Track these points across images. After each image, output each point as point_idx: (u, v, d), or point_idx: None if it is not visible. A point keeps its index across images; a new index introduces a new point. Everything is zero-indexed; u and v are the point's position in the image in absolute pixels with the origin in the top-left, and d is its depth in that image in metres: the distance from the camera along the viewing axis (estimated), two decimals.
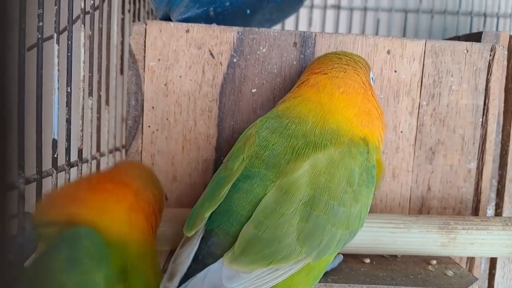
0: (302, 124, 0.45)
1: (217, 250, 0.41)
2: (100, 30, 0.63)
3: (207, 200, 0.43)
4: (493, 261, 0.64)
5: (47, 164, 0.49)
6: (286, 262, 0.40)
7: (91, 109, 0.58)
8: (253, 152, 0.44)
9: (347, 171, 0.43)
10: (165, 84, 0.56)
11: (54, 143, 0.49)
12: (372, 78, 0.51)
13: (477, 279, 0.50)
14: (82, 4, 0.54)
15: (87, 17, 0.56)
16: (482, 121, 0.59)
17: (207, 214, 0.42)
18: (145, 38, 0.56)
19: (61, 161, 0.52)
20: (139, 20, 0.85)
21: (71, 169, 0.54)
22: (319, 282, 0.47)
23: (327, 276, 0.49)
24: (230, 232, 0.41)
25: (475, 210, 0.60)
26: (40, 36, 0.46)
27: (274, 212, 0.40)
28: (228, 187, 0.43)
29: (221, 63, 0.56)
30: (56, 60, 0.49)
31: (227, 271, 0.39)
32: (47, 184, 0.49)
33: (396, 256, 0.56)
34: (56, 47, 0.49)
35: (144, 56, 0.56)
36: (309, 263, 0.41)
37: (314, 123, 0.45)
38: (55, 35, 0.48)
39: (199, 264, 0.40)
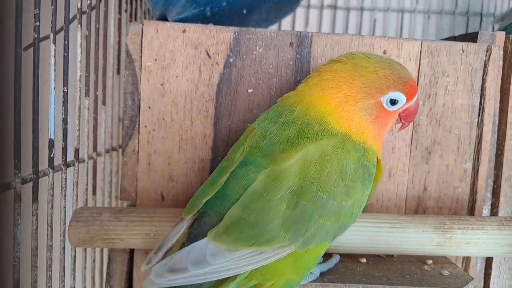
0: (291, 112, 0.46)
1: (208, 229, 0.42)
2: (97, 30, 0.63)
3: (207, 187, 0.45)
4: (488, 261, 0.64)
5: (43, 164, 0.49)
6: (269, 245, 0.41)
7: (88, 108, 0.58)
8: (253, 142, 0.45)
9: (339, 165, 0.43)
10: (161, 84, 0.56)
11: (51, 142, 0.49)
12: (392, 99, 0.46)
13: (473, 278, 0.50)
14: (79, 4, 0.54)
15: (84, 17, 0.56)
16: (478, 121, 0.59)
17: (205, 200, 0.44)
18: (141, 38, 0.56)
19: (58, 160, 0.52)
20: (136, 20, 0.85)
21: (68, 168, 0.53)
22: (316, 282, 0.47)
23: (324, 276, 0.49)
24: (221, 214, 0.42)
25: (471, 210, 0.60)
26: (36, 36, 0.45)
27: (261, 197, 0.41)
28: (227, 175, 0.44)
29: (217, 63, 0.56)
30: (52, 60, 0.48)
31: (212, 248, 0.41)
32: (44, 184, 0.49)
33: (392, 255, 0.56)
34: (52, 46, 0.49)
35: (141, 56, 0.56)
36: (296, 251, 0.42)
37: (300, 111, 0.46)
38: (51, 35, 0.48)
39: (190, 241, 0.42)
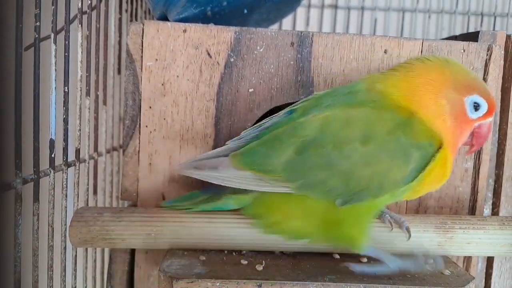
0: (356, 85, 0.50)
1: None
2: (98, 30, 0.63)
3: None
4: (490, 260, 0.64)
5: (44, 164, 0.49)
6: (265, 174, 0.47)
7: (89, 108, 0.58)
8: (307, 103, 0.49)
9: (362, 129, 0.45)
10: (162, 84, 0.56)
11: (52, 143, 0.49)
12: (476, 103, 0.47)
13: (474, 278, 0.50)
14: (79, 4, 0.54)
15: (84, 17, 0.56)
16: None
17: (242, 132, 0.52)
18: (142, 38, 0.56)
19: (59, 160, 0.52)
20: (136, 20, 0.85)
21: (69, 168, 0.54)
22: (316, 281, 0.47)
23: (324, 275, 0.49)
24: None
25: (472, 210, 0.60)
26: (37, 36, 0.46)
27: (277, 137, 0.47)
28: (272, 119, 0.51)
29: (218, 63, 0.56)
30: (53, 60, 0.49)
31: (226, 163, 0.49)
32: (44, 184, 0.49)
33: None
34: (53, 47, 0.49)
35: (142, 56, 0.56)
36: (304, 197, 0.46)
37: (365, 86, 0.49)
38: (52, 35, 0.48)
39: None
